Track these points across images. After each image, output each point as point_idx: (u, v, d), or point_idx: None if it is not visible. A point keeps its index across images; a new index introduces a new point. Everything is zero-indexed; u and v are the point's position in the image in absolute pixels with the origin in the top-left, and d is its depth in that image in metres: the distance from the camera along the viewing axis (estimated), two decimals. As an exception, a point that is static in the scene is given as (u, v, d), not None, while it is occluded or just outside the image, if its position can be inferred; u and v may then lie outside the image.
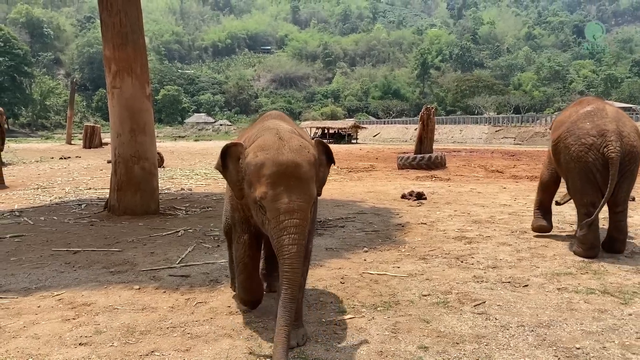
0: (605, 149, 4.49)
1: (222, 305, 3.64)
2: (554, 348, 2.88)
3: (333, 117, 72.55)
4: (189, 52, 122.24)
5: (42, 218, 7.12)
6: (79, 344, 3.01)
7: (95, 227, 6.53)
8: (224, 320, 3.36)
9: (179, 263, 4.76)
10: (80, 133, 38.46)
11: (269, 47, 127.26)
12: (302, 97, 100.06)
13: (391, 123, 64.62)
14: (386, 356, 2.81)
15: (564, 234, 5.82)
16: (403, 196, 8.70)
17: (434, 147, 15.56)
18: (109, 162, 17.20)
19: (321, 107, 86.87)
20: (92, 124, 32.38)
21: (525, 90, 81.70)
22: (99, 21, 7.58)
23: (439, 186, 10.56)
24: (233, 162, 2.83)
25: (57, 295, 3.90)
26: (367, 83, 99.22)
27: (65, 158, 20.15)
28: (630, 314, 3.37)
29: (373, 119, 78.28)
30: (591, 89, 78.32)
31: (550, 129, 5.64)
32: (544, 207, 5.75)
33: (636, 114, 45.13)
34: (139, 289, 4.03)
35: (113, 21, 6.95)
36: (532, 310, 3.47)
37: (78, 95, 59.06)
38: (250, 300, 3.40)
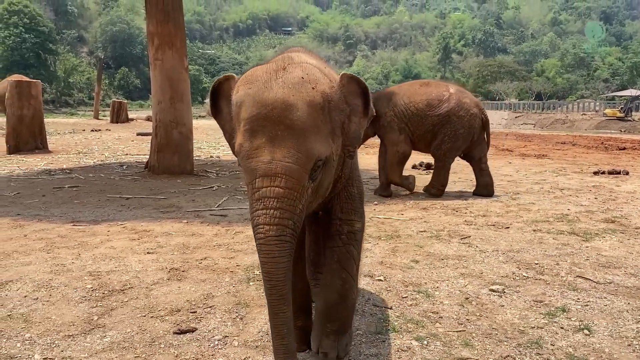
0: (482, 115, 6.38)
1: (256, 234, 4.49)
2: (518, 263, 3.69)
3: (353, 99, 72.66)
4: (210, 32, 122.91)
5: (91, 175, 8.06)
6: (147, 253, 3.90)
7: (139, 182, 7.44)
8: (258, 242, 4.21)
9: (217, 207, 5.65)
10: (105, 110, 39.58)
11: (290, 29, 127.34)
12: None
13: (411, 107, 64.73)
14: (385, 265, 3.64)
15: (551, 195, 6.56)
16: (414, 166, 9.48)
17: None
18: (138, 134, 18.25)
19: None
20: (119, 100, 33.41)
21: (548, 77, 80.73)
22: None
23: (449, 160, 11.28)
24: (225, 103, 2.00)
25: (121, 224, 4.80)
26: (387, 66, 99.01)
27: (96, 130, 21.15)
28: (587, 247, 4.15)
29: (393, 102, 78.31)
30: (616, 77, 77.25)
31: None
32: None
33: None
34: (187, 222, 4.91)
35: None
36: (507, 242, 4.27)
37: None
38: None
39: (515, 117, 48.53)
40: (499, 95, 72.53)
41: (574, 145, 16.14)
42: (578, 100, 53.53)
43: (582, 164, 10.30)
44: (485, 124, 6.45)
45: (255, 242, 1.74)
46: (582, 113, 40.24)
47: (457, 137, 6.29)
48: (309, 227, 2.76)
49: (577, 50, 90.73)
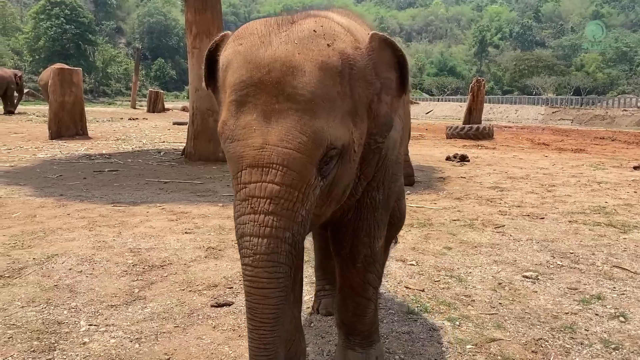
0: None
1: (289, 219, 4.57)
2: (552, 252, 3.66)
3: (386, 92, 72.07)
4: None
5: (130, 160, 8.27)
6: (185, 232, 4.01)
7: (176, 167, 7.61)
8: (292, 226, 4.28)
9: (251, 192, 5.74)
10: (141, 100, 40.35)
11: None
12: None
13: (445, 100, 64.02)
14: (418, 250, 3.67)
15: (588, 188, 6.43)
16: (447, 158, 9.39)
17: (487, 124, 15.96)
18: (174, 123, 18.56)
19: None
20: (155, 90, 34.01)
21: (587, 72, 78.47)
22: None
23: (484, 153, 11.16)
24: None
25: (159, 206, 4.94)
26: (422, 59, 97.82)
27: (133, 119, 21.58)
28: (625, 238, 4.08)
29: (427, 96, 77.57)
30: (660, 73, 74.52)
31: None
32: None
33: None
34: (223, 206, 5.02)
35: (195, -12, 7.92)
36: (542, 232, 4.23)
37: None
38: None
39: (553, 113, 47.29)
40: (536, 89, 70.94)
41: (613, 140, 15.71)
42: (619, 96, 51.90)
43: (621, 159, 10.04)
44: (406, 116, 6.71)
45: (240, 261, 1.29)
46: (622, 109, 39.04)
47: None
48: (314, 230, 2.33)
49: (619, 44, 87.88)
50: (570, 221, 4.61)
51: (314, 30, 1.31)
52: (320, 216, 1.47)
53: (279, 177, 1.23)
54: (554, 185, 6.54)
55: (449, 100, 61.99)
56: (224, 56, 1.39)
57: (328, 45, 1.30)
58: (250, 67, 1.27)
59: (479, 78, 16.24)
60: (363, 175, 1.63)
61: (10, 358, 2.10)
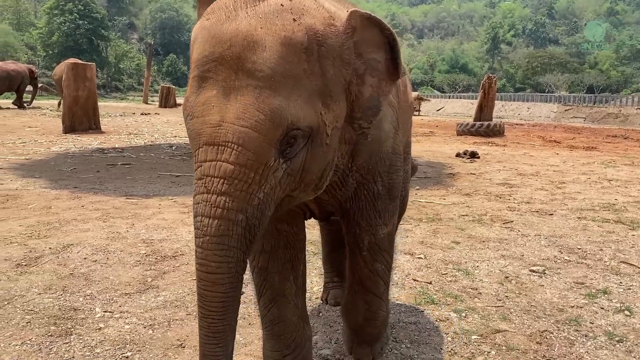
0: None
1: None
2: (560, 247, 3.69)
3: (397, 89, 71.83)
4: None
5: (142, 154, 8.37)
6: (196, 225, 4.07)
7: (187, 162, 7.70)
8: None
9: (262, 186, 5.81)
10: (154, 95, 40.62)
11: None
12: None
13: (457, 98, 63.66)
14: (426, 244, 3.71)
15: (598, 185, 6.43)
16: (457, 154, 9.40)
17: (497, 121, 15.92)
18: (186, 118, 18.69)
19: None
20: (167, 86, 34.21)
21: (601, 70, 77.75)
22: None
23: (494, 150, 11.15)
24: None
25: (171, 199, 5.02)
26: (434, 56, 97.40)
27: (145, 114, 21.74)
28: (633, 235, 4.09)
29: (438, 93, 77.18)
30: (675, 71, 73.62)
31: None
32: None
33: None
34: (233, 199, 5.08)
35: (208, -16, 7.98)
36: (550, 228, 4.25)
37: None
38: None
39: (565, 110, 46.87)
40: (549, 87, 70.34)
41: (625, 138, 15.60)
42: (633, 94, 51.36)
43: (633, 157, 9.99)
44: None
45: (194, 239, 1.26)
46: (636, 107, 38.66)
47: None
48: (321, 224, 2.42)
49: (634, 42, 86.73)
50: (579, 217, 4.63)
51: (282, 5, 1.25)
52: (294, 197, 1.40)
53: (234, 157, 1.19)
54: (564, 183, 6.54)
55: (460, 98, 61.60)
56: (193, 32, 1.36)
57: (294, 20, 1.23)
58: (213, 42, 1.22)
59: (490, 75, 16.20)
60: (355, 166, 1.59)
61: (29, 342, 2.17)
